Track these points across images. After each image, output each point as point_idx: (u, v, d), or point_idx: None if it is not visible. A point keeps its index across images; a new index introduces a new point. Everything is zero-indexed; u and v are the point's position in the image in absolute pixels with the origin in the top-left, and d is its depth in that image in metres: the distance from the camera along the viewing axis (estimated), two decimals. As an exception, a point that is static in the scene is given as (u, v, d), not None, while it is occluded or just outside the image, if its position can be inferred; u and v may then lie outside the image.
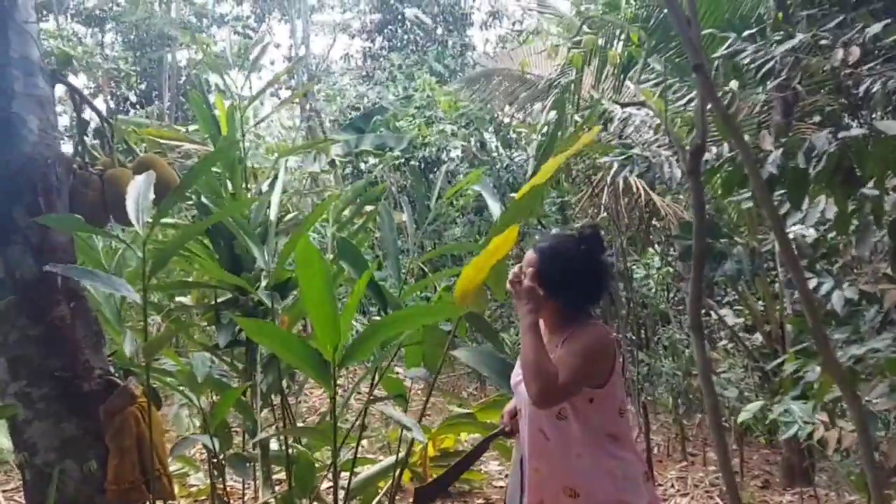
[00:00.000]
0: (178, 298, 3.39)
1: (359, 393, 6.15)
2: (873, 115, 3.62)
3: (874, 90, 3.04)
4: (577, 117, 4.31)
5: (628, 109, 4.25)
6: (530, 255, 2.01)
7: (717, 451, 1.29)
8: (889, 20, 3.17)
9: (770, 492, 4.84)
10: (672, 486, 4.66)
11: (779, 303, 5.93)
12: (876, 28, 3.09)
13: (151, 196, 2.00)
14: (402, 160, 9.20)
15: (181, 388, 2.57)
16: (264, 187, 3.31)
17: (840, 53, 3.14)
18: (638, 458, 2.01)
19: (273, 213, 2.57)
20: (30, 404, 2.20)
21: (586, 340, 1.90)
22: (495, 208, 2.33)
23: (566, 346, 1.92)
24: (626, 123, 4.15)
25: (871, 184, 2.80)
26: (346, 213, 3.29)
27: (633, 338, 7.45)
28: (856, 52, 3.12)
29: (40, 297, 2.19)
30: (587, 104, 4.52)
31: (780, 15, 3.54)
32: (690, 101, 3.75)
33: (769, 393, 6.04)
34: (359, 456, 3.10)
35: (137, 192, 2.07)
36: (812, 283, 3.38)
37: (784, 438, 4.48)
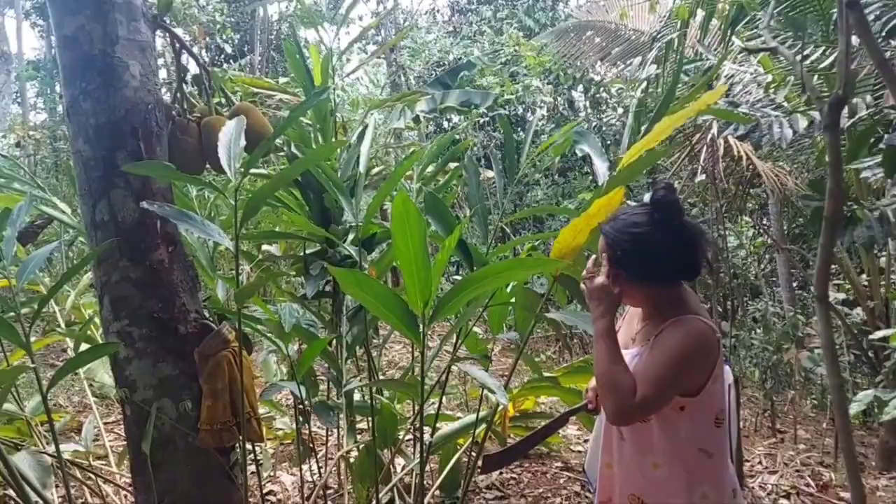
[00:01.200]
0: (265, 248, 3.46)
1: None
2: None
3: None
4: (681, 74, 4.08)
5: (734, 66, 3.99)
6: (600, 242, 1.77)
7: (841, 436, 1.18)
8: None
9: (864, 475, 4.60)
10: (760, 462, 4.49)
11: (884, 277, 5.57)
12: None
13: (243, 142, 1.99)
14: (487, 118, 9.05)
15: (270, 335, 2.62)
16: (353, 141, 3.31)
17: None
18: (728, 478, 1.77)
19: (363, 166, 2.54)
20: (130, 343, 2.28)
21: (679, 341, 1.64)
22: (602, 167, 2.20)
23: (655, 347, 1.67)
24: (733, 81, 3.90)
25: None
26: (431, 168, 3.24)
27: (720, 309, 7.20)
28: None
29: (141, 240, 2.25)
30: (691, 60, 4.27)
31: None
32: (806, 57, 3.47)
33: (868, 373, 5.73)
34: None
35: (229, 137, 2.06)
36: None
37: (883, 421, 4.24)
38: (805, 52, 3.39)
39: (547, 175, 9.69)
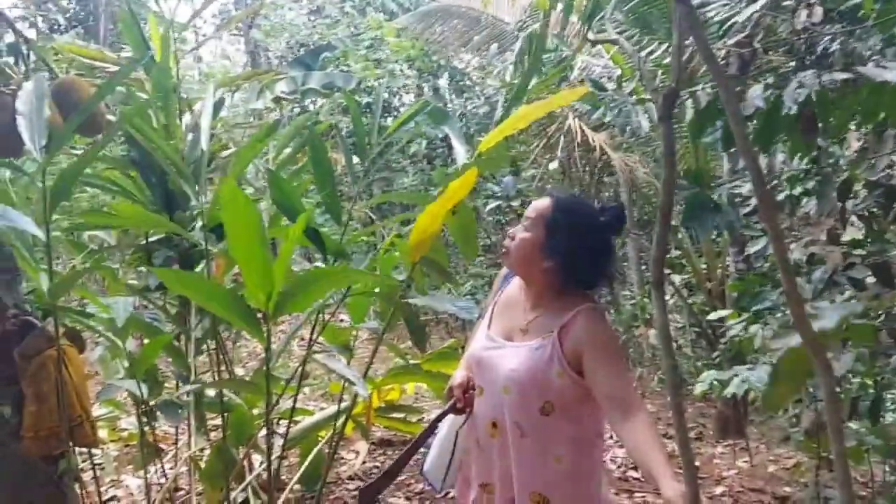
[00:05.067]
0: (100, 235, 3.17)
1: (302, 339, 6.04)
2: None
3: (833, 49, 3.01)
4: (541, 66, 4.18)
5: (587, 59, 4.14)
6: (541, 201, 1.74)
7: (674, 415, 1.24)
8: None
9: (703, 443, 4.98)
10: (611, 437, 4.72)
11: (721, 261, 6.03)
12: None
13: (46, 112, 1.77)
14: (348, 102, 8.85)
15: (102, 330, 2.41)
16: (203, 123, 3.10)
17: (804, 15, 3.09)
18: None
19: (204, 143, 2.34)
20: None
21: (607, 336, 1.66)
22: (461, 151, 2.16)
23: (594, 350, 1.61)
24: (587, 74, 4.04)
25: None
26: (288, 150, 3.09)
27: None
28: (819, 11, 3.08)
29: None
30: (549, 50, 4.38)
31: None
32: (651, 52, 3.66)
33: (707, 349, 6.20)
34: (298, 405, 3.00)
35: (29, 107, 1.81)
36: (761, 243, 3.40)
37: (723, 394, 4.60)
38: (650, 48, 3.57)
39: (414, 162, 9.67)
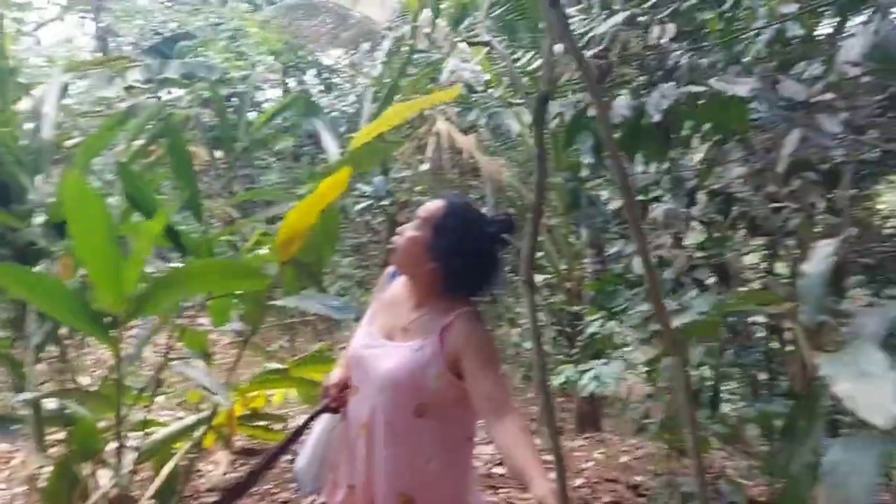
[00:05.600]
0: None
1: (155, 345, 5.67)
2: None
3: (681, 64, 3.24)
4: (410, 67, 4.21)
5: (456, 63, 4.20)
6: (434, 202, 1.74)
7: (544, 412, 1.27)
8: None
9: (564, 437, 5.19)
10: (478, 435, 4.81)
11: (578, 262, 6.34)
12: (691, 2, 3.28)
13: None
14: (212, 94, 8.44)
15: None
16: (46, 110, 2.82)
17: (656, 31, 3.31)
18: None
19: (47, 131, 2.13)
20: None
21: (486, 341, 1.67)
22: (332, 147, 2.11)
23: (471, 354, 1.63)
24: (456, 77, 4.10)
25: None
26: (141, 141, 2.88)
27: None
28: (671, 29, 3.31)
29: None
30: (419, 50, 4.41)
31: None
32: (517, 60, 3.77)
33: (566, 345, 6.49)
34: (154, 415, 2.81)
35: None
36: (619, 245, 3.60)
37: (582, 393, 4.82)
38: (516, 56, 3.68)
39: (281, 159, 9.40)
